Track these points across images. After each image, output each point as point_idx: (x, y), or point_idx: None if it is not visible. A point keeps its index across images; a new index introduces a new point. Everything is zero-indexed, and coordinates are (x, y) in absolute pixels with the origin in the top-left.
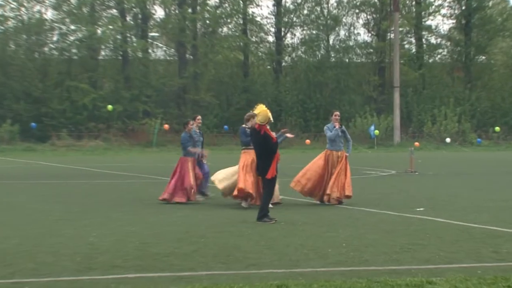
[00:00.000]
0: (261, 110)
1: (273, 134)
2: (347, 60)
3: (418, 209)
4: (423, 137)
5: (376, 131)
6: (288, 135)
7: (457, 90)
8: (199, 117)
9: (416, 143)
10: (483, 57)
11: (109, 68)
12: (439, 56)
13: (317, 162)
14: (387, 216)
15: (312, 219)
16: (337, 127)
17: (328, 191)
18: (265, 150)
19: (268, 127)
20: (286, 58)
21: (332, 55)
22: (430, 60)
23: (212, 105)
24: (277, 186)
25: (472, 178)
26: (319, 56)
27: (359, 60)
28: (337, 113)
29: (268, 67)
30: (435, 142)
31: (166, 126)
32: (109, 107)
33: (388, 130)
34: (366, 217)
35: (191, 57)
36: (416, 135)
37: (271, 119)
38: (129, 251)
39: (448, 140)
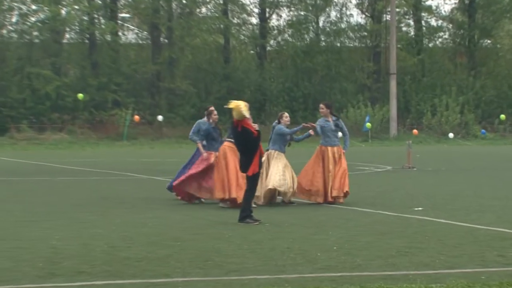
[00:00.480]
0: (234, 107)
1: (255, 127)
2: (338, 44)
3: (416, 209)
4: (422, 130)
5: (368, 124)
6: (312, 131)
7: (460, 78)
8: (212, 107)
9: (415, 131)
10: (489, 41)
11: (75, 53)
12: (440, 40)
13: (312, 161)
14: (383, 216)
15: (299, 220)
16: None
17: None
18: (246, 146)
19: (249, 120)
20: (271, 42)
21: (322, 39)
22: (430, 45)
23: (189, 94)
24: (288, 183)
25: (475, 174)
26: (308, 39)
27: (351, 45)
28: (321, 105)
29: (251, 52)
30: (436, 135)
31: (137, 118)
32: (80, 95)
33: (384, 121)
34: (359, 217)
35: (166, 40)
36: (415, 127)
37: (245, 114)
38: (96, 256)
39: (451, 135)
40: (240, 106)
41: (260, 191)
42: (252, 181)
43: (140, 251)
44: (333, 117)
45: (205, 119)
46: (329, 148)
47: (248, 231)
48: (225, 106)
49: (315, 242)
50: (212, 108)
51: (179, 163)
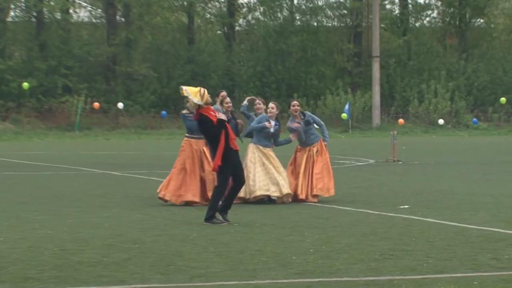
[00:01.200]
0: (191, 92)
1: (219, 115)
2: (315, 24)
3: (402, 207)
4: (408, 118)
5: (344, 115)
6: (293, 137)
7: (450, 61)
8: (224, 93)
9: (400, 120)
10: (481, 20)
11: (20, 33)
12: (427, 19)
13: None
14: (364, 215)
15: (272, 219)
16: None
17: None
18: (207, 136)
19: (212, 108)
20: (241, 21)
21: (297, 18)
22: (417, 24)
23: (149, 79)
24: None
25: (468, 168)
26: (281, 18)
27: (330, 24)
28: (295, 102)
29: (218, 32)
30: (423, 125)
31: (96, 105)
32: (25, 84)
33: (366, 110)
34: (339, 216)
35: (123, 19)
36: (400, 116)
37: (195, 101)
38: (45, 260)
39: (441, 121)
40: (190, 93)
41: (245, 191)
42: (218, 178)
43: (94, 254)
44: (301, 115)
45: (218, 105)
46: (306, 149)
47: (214, 232)
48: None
49: (289, 244)
50: (223, 93)
51: (137, 156)
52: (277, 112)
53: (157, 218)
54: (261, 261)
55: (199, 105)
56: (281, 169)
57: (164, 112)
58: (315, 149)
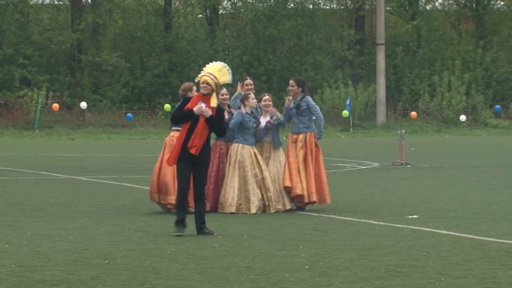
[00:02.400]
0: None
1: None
2: (311, 6)
3: (410, 217)
4: (418, 116)
5: (345, 112)
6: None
7: (466, 49)
8: (248, 80)
9: (413, 113)
10: (502, 3)
11: None
12: (440, 1)
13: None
14: (368, 226)
15: (261, 231)
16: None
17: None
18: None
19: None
20: (225, 3)
21: None
22: (428, 7)
23: (120, 70)
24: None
25: (486, 172)
26: (272, 0)
27: (327, 7)
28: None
29: (200, 16)
30: (435, 122)
31: (55, 106)
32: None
33: (369, 105)
34: (338, 228)
35: (89, 1)
36: (409, 113)
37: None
38: (1, 278)
39: (462, 117)
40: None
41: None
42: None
43: (57, 272)
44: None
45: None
46: (293, 136)
47: (196, 246)
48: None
49: (281, 259)
50: (247, 80)
51: (107, 158)
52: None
53: (129, 230)
54: (249, 279)
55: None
56: (266, 173)
57: (129, 114)
58: (300, 142)
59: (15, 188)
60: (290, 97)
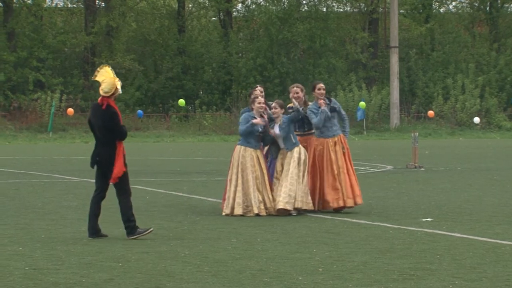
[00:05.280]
0: (106, 77)
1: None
2: (324, 9)
3: (424, 220)
4: (431, 118)
5: (362, 103)
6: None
7: (479, 52)
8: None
9: (430, 112)
10: None
11: None
12: (453, 3)
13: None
14: (381, 229)
15: (275, 234)
16: (322, 106)
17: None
18: (108, 133)
19: (114, 100)
20: (239, 6)
21: (304, 2)
22: (442, 10)
23: (134, 73)
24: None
25: (500, 175)
26: (285, 3)
27: (341, 10)
28: (321, 85)
29: (213, 19)
30: (449, 125)
31: (70, 111)
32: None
33: (383, 108)
34: (352, 231)
35: (103, 4)
36: (422, 116)
37: (119, 89)
38: (15, 281)
39: (476, 120)
40: (113, 76)
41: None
42: (121, 186)
43: (71, 274)
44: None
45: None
46: (327, 141)
47: (209, 249)
48: (93, 78)
49: (295, 262)
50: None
51: None
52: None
53: None
54: (263, 282)
55: (112, 94)
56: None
57: (140, 111)
58: (336, 144)
59: (28, 191)
60: (322, 101)
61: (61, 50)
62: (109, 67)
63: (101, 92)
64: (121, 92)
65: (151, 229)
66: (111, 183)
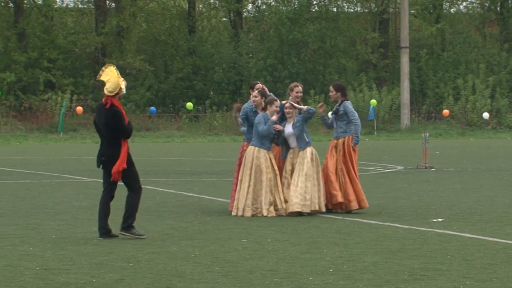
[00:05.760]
0: (111, 76)
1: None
2: (335, 10)
3: (435, 220)
4: (442, 119)
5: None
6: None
7: (490, 53)
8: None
9: (445, 111)
10: None
11: None
12: (464, 4)
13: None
14: (392, 230)
15: (285, 234)
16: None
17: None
18: (112, 132)
19: (119, 100)
20: (249, 6)
21: (314, 3)
22: (452, 10)
23: (144, 73)
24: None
25: (510, 176)
26: (296, 3)
27: (352, 10)
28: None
29: (224, 19)
30: (459, 125)
31: (79, 109)
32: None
33: (393, 108)
34: (362, 231)
35: (113, 5)
36: (433, 116)
37: (123, 88)
38: (26, 281)
39: (485, 115)
40: (118, 76)
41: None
42: (130, 184)
43: (82, 275)
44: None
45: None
46: (334, 142)
47: (220, 249)
48: (97, 78)
49: (305, 262)
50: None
51: None
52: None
53: (153, 233)
54: (273, 282)
55: (116, 94)
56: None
57: (153, 108)
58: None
59: (39, 191)
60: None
61: (71, 51)
62: (113, 66)
63: (105, 92)
64: (125, 92)
65: (145, 236)
66: (120, 183)
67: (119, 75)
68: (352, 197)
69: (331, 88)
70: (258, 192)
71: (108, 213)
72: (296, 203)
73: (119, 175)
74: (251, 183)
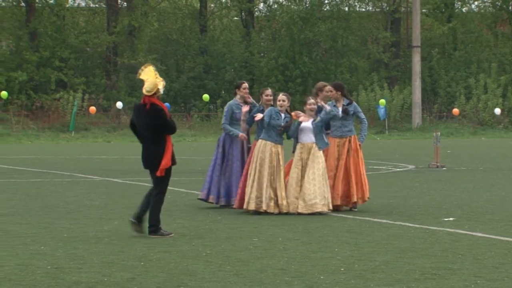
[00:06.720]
0: (149, 76)
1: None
2: (346, 9)
3: (446, 220)
4: (454, 118)
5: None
6: (302, 118)
7: (502, 52)
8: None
9: (455, 110)
10: None
11: (8, 20)
12: (476, 3)
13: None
14: (403, 229)
15: (296, 234)
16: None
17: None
18: (157, 130)
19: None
20: (261, 5)
21: (326, 2)
22: (464, 9)
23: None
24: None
25: None
26: (307, 2)
27: (363, 9)
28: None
29: (235, 18)
30: (471, 125)
31: (92, 109)
32: (3, 93)
33: (405, 108)
34: (373, 230)
35: (125, 4)
36: (444, 115)
37: (160, 89)
38: (37, 280)
39: (497, 111)
40: (155, 76)
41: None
42: (163, 182)
43: (93, 273)
44: (345, 100)
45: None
46: (336, 140)
47: (231, 248)
48: (137, 77)
49: (316, 261)
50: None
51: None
52: (288, 105)
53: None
54: (284, 281)
55: (154, 93)
56: (281, 175)
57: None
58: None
59: (50, 190)
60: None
61: (83, 50)
62: (152, 66)
63: (143, 91)
64: (162, 92)
65: (172, 234)
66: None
67: (157, 75)
68: (337, 192)
69: (330, 88)
70: (261, 185)
71: (148, 206)
72: (316, 203)
73: (164, 171)
74: (255, 176)
